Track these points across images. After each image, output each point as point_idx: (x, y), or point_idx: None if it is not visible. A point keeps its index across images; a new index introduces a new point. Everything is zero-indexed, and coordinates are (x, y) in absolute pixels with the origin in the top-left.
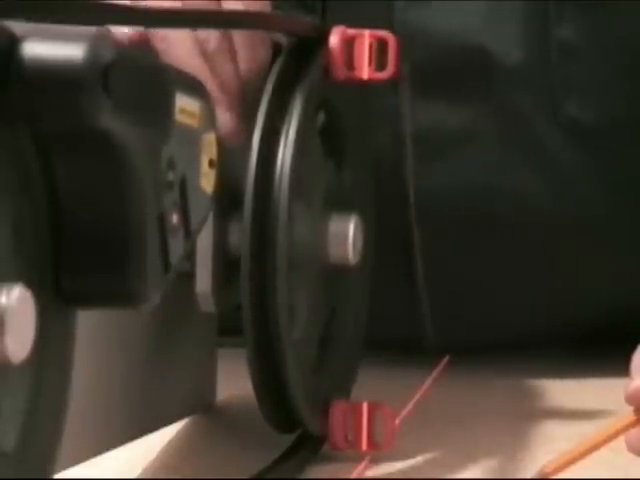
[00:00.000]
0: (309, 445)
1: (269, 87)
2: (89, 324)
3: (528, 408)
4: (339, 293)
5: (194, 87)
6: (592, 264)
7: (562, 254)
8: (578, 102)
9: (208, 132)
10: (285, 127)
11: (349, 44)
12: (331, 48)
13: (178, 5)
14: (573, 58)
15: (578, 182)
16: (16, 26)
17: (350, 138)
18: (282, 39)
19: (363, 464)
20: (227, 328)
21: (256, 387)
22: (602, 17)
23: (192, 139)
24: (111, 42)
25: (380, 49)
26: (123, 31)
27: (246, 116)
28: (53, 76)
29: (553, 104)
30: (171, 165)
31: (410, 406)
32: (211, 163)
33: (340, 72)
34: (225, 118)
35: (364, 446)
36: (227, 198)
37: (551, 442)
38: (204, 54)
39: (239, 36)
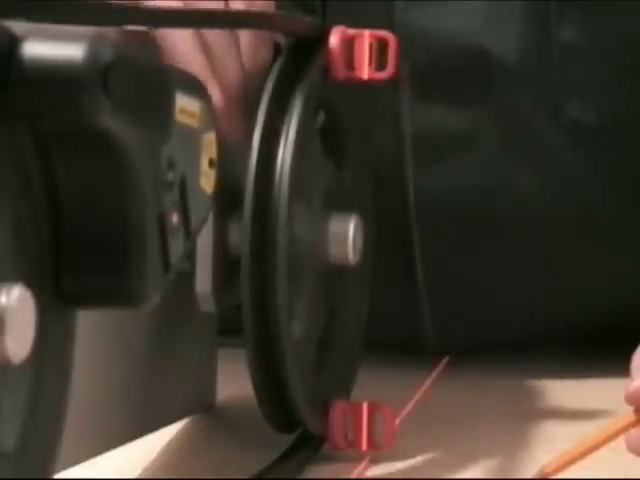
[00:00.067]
0: (309, 445)
1: (269, 87)
2: (89, 324)
3: (528, 408)
4: (339, 293)
5: (194, 87)
6: (592, 264)
7: (562, 254)
8: (579, 102)
9: (208, 132)
10: (285, 127)
11: (349, 44)
12: (331, 48)
13: (181, 5)
14: (574, 58)
15: (578, 182)
16: (16, 26)
17: (350, 138)
18: (280, 39)
19: (363, 464)
20: (227, 328)
21: (256, 387)
22: (603, 17)
23: (192, 139)
24: (111, 42)
25: (380, 49)
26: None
27: (246, 114)
28: (53, 76)
29: (554, 104)
30: (171, 165)
31: (410, 406)
32: (211, 163)
33: (340, 72)
34: (226, 115)
35: (364, 446)
36: (227, 198)
37: (551, 442)
38: (207, 51)
39: (242, 35)
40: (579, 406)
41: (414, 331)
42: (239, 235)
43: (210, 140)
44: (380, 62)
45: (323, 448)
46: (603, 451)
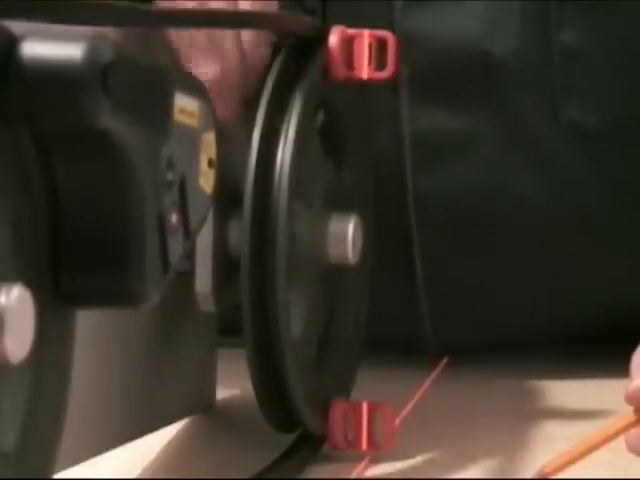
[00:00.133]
0: (309, 445)
1: (269, 86)
2: (89, 324)
3: (528, 408)
4: (339, 293)
5: (194, 87)
6: (592, 264)
7: (562, 255)
8: (579, 104)
9: (207, 132)
10: (285, 127)
11: (349, 44)
12: (331, 48)
13: (195, 5)
14: (574, 60)
15: (578, 183)
16: (16, 26)
17: (350, 138)
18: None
19: (363, 464)
20: (227, 328)
21: (256, 387)
22: (603, 18)
23: (191, 139)
24: (111, 42)
25: (380, 49)
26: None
27: (244, 106)
28: (52, 76)
29: (554, 106)
30: (170, 165)
31: (410, 406)
32: (210, 163)
33: (340, 72)
34: (220, 93)
35: (364, 446)
36: (227, 198)
37: (551, 442)
38: (211, 36)
39: (243, 33)
40: (579, 406)
41: (414, 331)
42: (239, 235)
43: (209, 140)
44: (380, 62)
45: (323, 448)
46: (603, 451)
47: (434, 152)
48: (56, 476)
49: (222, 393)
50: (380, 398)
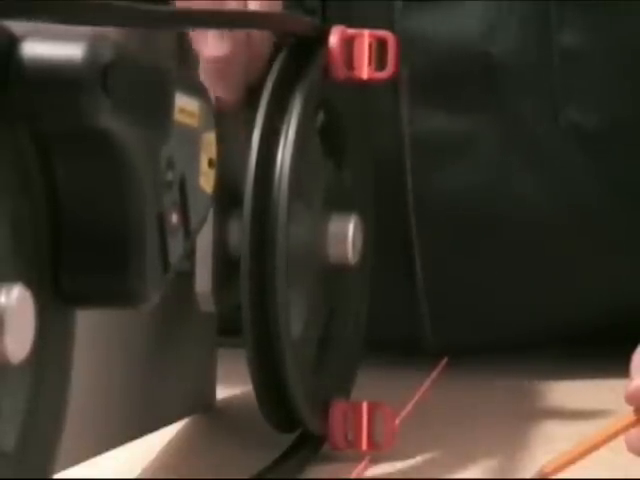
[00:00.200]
0: (309, 445)
1: (269, 86)
2: (89, 324)
3: (528, 408)
4: (339, 293)
5: (194, 87)
6: (592, 265)
7: (562, 255)
8: (579, 105)
9: (207, 131)
10: (285, 127)
11: (349, 44)
12: (331, 48)
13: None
14: (574, 61)
15: (578, 184)
16: (16, 26)
17: (350, 138)
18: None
19: (363, 464)
20: (227, 328)
21: (256, 387)
22: (603, 18)
23: (191, 139)
24: (111, 42)
25: (380, 49)
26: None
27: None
28: (53, 76)
29: (554, 107)
30: (170, 165)
31: (410, 406)
32: (210, 162)
33: (340, 72)
34: (222, 74)
35: (364, 446)
36: (227, 197)
37: (551, 442)
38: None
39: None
40: (579, 406)
41: (414, 331)
42: (239, 235)
43: (209, 140)
44: (380, 62)
45: (323, 448)
46: (603, 451)
47: (434, 152)
48: (56, 476)
49: (222, 393)
50: (380, 398)
